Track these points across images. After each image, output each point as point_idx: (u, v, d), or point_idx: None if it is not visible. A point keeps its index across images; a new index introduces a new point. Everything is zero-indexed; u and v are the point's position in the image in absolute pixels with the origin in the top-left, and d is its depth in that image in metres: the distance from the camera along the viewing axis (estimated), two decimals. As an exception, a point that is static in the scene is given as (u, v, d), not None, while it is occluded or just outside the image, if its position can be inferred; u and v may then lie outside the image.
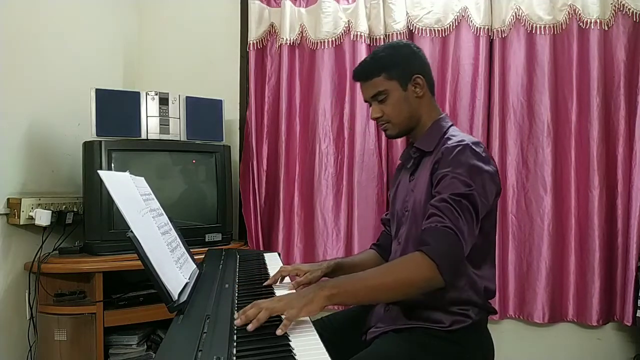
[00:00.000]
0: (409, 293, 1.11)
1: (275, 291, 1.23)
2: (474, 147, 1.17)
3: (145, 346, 2.03)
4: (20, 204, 1.84)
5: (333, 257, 2.27)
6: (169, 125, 2.15)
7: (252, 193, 2.39)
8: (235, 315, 0.96)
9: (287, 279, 1.34)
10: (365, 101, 1.36)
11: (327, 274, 1.39)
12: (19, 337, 1.90)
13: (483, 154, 1.18)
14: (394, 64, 1.28)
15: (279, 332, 0.89)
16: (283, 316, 0.93)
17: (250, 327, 0.90)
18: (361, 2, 2.31)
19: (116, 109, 2.04)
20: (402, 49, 1.32)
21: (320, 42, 2.35)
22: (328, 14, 2.33)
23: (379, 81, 1.28)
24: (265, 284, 1.28)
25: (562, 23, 2.18)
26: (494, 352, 1.27)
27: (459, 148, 1.17)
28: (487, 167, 1.17)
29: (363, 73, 1.32)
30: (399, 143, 2.29)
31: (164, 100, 2.14)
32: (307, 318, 0.99)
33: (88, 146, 1.99)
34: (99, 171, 1.08)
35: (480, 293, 1.20)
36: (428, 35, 2.29)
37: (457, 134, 1.26)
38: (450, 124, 1.31)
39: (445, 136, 1.26)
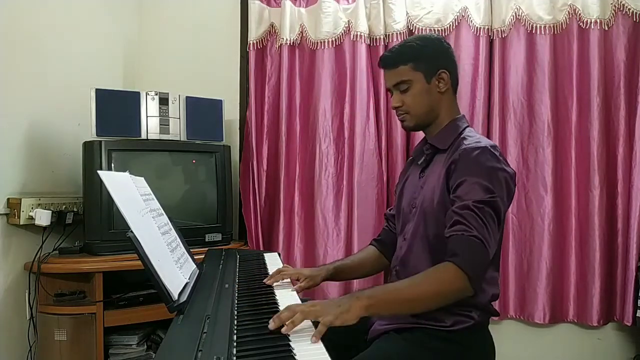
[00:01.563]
0: (442, 303, 1.11)
1: (275, 291, 1.23)
2: (492, 149, 1.17)
3: (145, 346, 2.03)
4: (20, 204, 1.84)
5: (333, 257, 2.27)
6: (169, 125, 2.15)
7: (252, 193, 2.39)
8: (270, 323, 0.92)
9: (287, 279, 1.34)
10: (387, 89, 1.35)
11: (328, 278, 1.40)
12: (19, 337, 1.89)
13: (500, 157, 1.18)
14: (423, 55, 1.27)
15: (313, 339, 0.88)
16: (312, 320, 0.94)
17: (284, 330, 0.90)
18: (361, 2, 2.30)
19: (116, 109, 2.04)
20: (433, 42, 1.31)
21: (320, 42, 2.35)
22: (328, 14, 2.33)
23: (405, 70, 1.27)
24: (265, 281, 1.29)
25: (562, 23, 2.18)
26: (494, 353, 1.26)
27: (477, 151, 1.16)
28: (506, 170, 1.17)
29: (391, 60, 1.30)
30: (399, 144, 2.29)
31: (164, 100, 2.14)
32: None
33: (88, 146, 1.99)
34: (98, 171, 1.08)
35: (485, 296, 1.20)
36: (428, 35, 2.29)
37: (473, 135, 1.25)
38: (466, 124, 1.31)
39: (461, 136, 1.25)
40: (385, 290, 1.12)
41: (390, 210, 1.52)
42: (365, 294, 1.03)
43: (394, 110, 1.33)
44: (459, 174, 1.16)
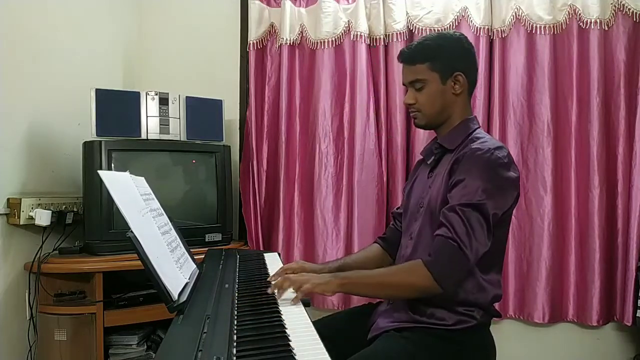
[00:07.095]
0: (408, 296, 1.20)
1: (275, 290, 1.23)
2: (496, 152, 1.17)
3: (145, 346, 2.03)
4: (20, 204, 1.84)
5: (333, 257, 2.27)
6: (169, 125, 2.15)
7: (252, 193, 2.39)
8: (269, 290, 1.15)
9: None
10: (403, 84, 1.34)
11: None
12: (19, 337, 1.89)
13: (505, 159, 1.17)
14: (440, 56, 1.26)
15: (296, 296, 1.10)
16: (292, 290, 1.13)
17: (278, 297, 1.11)
18: (361, 2, 2.30)
19: (116, 109, 2.04)
20: (452, 43, 1.29)
21: (320, 42, 2.35)
22: (328, 14, 2.33)
23: (421, 69, 1.26)
24: (269, 279, 1.28)
25: (562, 23, 2.17)
26: (495, 354, 1.26)
27: (479, 152, 1.16)
28: (507, 174, 1.17)
29: (409, 56, 1.29)
30: (399, 143, 2.29)
31: (164, 100, 2.14)
32: (308, 318, 1.00)
33: (88, 146, 1.99)
34: (99, 171, 1.08)
35: (487, 297, 1.20)
36: (428, 35, 2.28)
37: (482, 137, 1.25)
38: (477, 125, 1.31)
39: (470, 137, 1.25)
40: (360, 274, 1.24)
41: (397, 209, 1.52)
42: (342, 274, 1.19)
43: (407, 107, 1.33)
44: (457, 174, 1.17)
